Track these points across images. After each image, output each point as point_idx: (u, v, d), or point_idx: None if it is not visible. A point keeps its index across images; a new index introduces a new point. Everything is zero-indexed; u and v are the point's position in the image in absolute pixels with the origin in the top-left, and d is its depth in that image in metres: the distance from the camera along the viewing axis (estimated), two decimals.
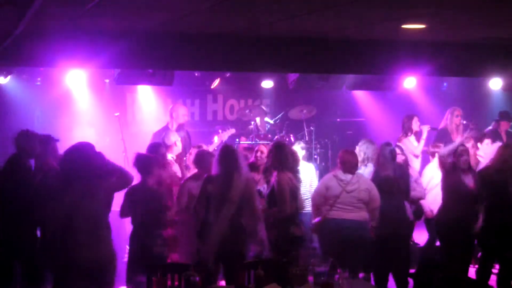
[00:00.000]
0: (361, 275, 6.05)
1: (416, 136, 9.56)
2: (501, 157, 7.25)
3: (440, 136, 9.77)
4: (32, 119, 9.81)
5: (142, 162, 6.69)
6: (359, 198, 7.08)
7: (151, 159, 6.79)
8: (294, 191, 6.95)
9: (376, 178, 7.32)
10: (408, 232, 7.70)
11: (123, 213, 6.69)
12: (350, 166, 7.20)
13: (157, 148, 7.40)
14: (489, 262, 7.34)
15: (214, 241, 6.33)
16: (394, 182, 7.30)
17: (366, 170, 8.08)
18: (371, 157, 8.03)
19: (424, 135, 9.54)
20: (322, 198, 7.16)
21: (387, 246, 7.25)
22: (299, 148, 8.51)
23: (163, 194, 6.69)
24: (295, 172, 7.06)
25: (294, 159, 7.11)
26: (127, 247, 7.00)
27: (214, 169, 6.54)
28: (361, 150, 7.87)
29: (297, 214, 7.01)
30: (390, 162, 7.34)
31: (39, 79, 9.93)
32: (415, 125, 9.53)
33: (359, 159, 7.61)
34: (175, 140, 8.19)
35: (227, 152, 6.58)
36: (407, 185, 7.48)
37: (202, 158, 7.21)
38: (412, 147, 9.40)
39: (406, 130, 9.52)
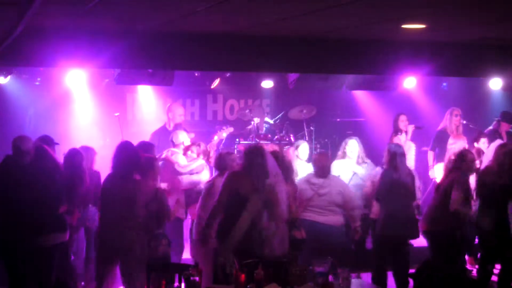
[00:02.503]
0: (353, 275, 6.06)
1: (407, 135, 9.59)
2: (498, 157, 7.26)
3: (440, 137, 9.78)
4: (31, 119, 9.82)
5: (144, 163, 6.66)
6: (332, 201, 7.17)
7: (151, 160, 6.77)
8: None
9: (388, 179, 7.34)
10: (412, 233, 7.71)
11: None
12: (323, 170, 7.30)
13: (150, 148, 7.34)
14: (490, 262, 7.34)
15: (233, 242, 6.17)
16: (406, 183, 7.34)
17: (365, 171, 8.12)
18: (362, 155, 8.16)
19: (409, 136, 9.58)
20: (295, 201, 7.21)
21: (390, 247, 7.27)
22: (305, 145, 8.58)
23: (164, 194, 6.68)
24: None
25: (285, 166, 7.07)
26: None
27: (242, 169, 6.35)
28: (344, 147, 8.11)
29: (296, 217, 6.99)
30: (404, 164, 7.41)
31: (38, 79, 9.93)
32: (401, 124, 9.60)
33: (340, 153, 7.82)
34: (183, 140, 8.22)
35: (255, 151, 6.31)
36: (414, 186, 7.53)
37: (222, 160, 7.17)
38: None
39: (395, 129, 9.58)
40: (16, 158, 6.43)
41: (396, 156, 7.37)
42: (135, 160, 6.43)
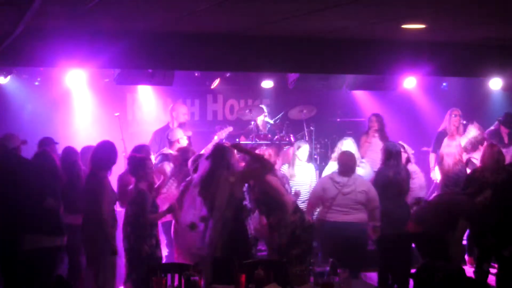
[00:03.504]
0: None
1: (379, 133, 9.62)
2: (491, 157, 7.25)
3: (440, 138, 9.77)
4: (31, 119, 9.81)
5: (135, 164, 6.68)
6: (356, 200, 7.13)
7: (142, 160, 6.77)
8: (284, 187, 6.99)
9: (382, 178, 7.34)
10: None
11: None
12: (347, 168, 7.25)
13: (143, 150, 7.32)
14: (485, 260, 7.34)
15: (211, 241, 6.26)
16: (400, 182, 7.35)
17: (365, 171, 8.12)
18: (358, 155, 8.16)
19: (371, 137, 9.65)
20: (318, 200, 7.21)
21: (391, 246, 7.26)
22: (306, 147, 8.58)
23: (143, 197, 6.67)
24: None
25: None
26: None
27: (202, 169, 6.52)
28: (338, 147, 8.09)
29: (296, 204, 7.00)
30: (399, 163, 7.41)
31: (38, 79, 9.93)
32: (370, 124, 9.69)
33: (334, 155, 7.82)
34: (179, 138, 8.19)
35: (217, 151, 6.52)
36: (408, 185, 7.53)
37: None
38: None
39: (367, 128, 9.82)
40: (3, 156, 6.46)
41: (391, 155, 7.39)
42: (106, 159, 6.52)
